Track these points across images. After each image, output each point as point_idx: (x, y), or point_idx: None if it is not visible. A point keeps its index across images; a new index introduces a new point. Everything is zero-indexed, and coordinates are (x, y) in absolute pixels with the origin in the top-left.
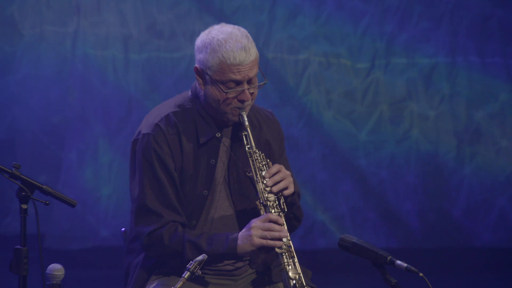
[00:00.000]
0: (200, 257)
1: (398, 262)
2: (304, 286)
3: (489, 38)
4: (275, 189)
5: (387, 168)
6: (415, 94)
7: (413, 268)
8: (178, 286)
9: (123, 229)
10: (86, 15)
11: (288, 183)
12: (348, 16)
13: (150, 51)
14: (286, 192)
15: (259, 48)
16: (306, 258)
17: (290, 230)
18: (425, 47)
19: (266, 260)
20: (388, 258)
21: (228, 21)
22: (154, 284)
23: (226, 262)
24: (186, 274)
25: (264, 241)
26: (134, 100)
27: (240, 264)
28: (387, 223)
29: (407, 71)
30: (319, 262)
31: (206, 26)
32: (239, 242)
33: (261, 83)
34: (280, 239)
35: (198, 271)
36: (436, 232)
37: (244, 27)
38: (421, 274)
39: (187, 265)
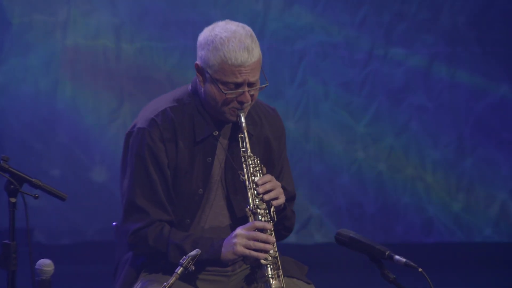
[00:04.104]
0: (193, 252)
1: (397, 257)
2: None
3: (491, 27)
4: (266, 197)
5: (385, 161)
6: (414, 85)
7: (412, 263)
8: (171, 282)
9: (114, 223)
10: (77, 3)
11: (278, 194)
12: (345, 5)
13: (142, 41)
14: (276, 202)
15: None
16: (302, 253)
17: (279, 239)
18: (424, 37)
19: (259, 276)
20: (386, 253)
21: (223, 9)
22: (145, 281)
23: None
24: (179, 270)
25: (247, 251)
26: (126, 91)
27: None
28: (385, 217)
29: (406, 61)
30: (315, 257)
31: (199, 15)
32: (223, 249)
33: (262, 86)
34: (265, 250)
35: (192, 266)
36: (435, 226)
37: (239, 16)
38: (420, 270)
39: (180, 260)
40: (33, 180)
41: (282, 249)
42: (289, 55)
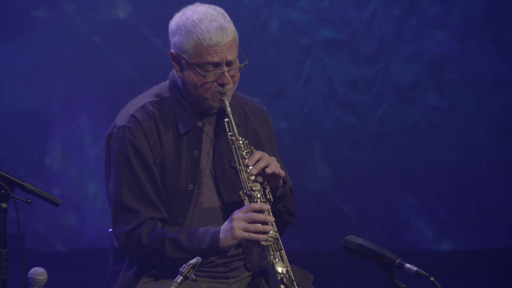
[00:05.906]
0: (193, 260)
1: (408, 265)
2: (293, 281)
3: (505, 24)
4: (260, 178)
5: (394, 163)
6: (425, 84)
7: (423, 272)
8: None
9: (110, 229)
10: None
11: (275, 168)
12: (353, 0)
13: (139, 36)
14: (275, 171)
15: (256, 34)
16: (307, 261)
17: (283, 225)
18: (436, 34)
19: (261, 259)
20: (397, 261)
21: (223, 5)
22: None
23: (219, 261)
24: (179, 279)
25: (246, 234)
26: (123, 89)
27: (235, 264)
28: (395, 223)
29: (417, 59)
30: (322, 265)
31: None
32: (221, 236)
33: (242, 65)
34: (264, 232)
35: (192, 275)
36: (447, 232)
37: (241, 11)
38: (432, 279)
39: (180, 269)
40: (25, 184)
41: (287, 256)
42: (294, 52)
